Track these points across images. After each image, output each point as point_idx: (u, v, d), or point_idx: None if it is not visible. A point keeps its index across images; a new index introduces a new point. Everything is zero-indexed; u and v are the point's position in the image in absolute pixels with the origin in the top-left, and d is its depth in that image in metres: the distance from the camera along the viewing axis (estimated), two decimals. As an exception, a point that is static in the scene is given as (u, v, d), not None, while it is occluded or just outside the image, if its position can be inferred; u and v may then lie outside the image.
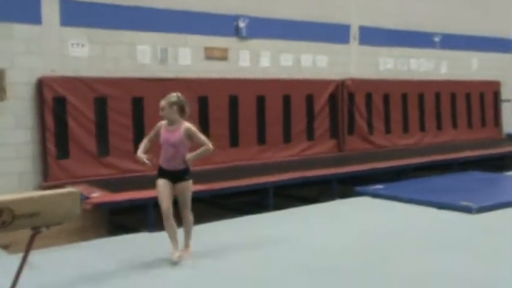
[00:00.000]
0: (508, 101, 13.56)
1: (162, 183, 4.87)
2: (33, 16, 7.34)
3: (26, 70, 7.30)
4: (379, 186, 7.98)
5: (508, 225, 6.06)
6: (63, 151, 7.48)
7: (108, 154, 7.89)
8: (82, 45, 7.80)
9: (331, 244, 5.39)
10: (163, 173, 4.91)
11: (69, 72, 7.65)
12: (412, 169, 9.14)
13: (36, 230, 2.99)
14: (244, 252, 5.17)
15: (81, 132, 7.65)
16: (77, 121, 7.62)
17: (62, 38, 7.62)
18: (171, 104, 4.84)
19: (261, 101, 9.50)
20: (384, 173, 9.01)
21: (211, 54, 9.01)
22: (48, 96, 7.37)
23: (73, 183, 6.83)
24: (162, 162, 4.91)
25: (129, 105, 8.14)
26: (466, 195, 7.10)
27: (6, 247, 5.50)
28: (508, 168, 10.18)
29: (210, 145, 4.91)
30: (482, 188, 8.21)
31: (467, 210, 6.51)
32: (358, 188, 7.94)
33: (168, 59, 8.56)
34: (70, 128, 7.53)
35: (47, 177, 7.34)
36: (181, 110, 4.90)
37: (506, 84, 13.43)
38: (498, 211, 6.62)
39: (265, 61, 9.64)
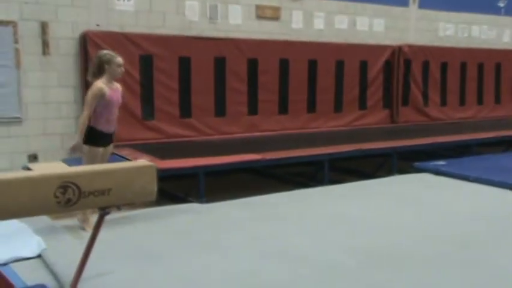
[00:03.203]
0: None
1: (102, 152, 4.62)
2: (78, -35, 6.81)
3: (70, 24, 6.82)
4: (441, 163, 7.36)
5: None
6: (106, 112, 7.02)
7: (153, 117, 7.42)
8: (128, -1, 7.26)
9: (395, 225, 4.83)
10: (103, 139, 4.62)
11: (114, 28, 7.13)
12: (476, 145, 8.45)
13: (105, 211, 2.52)
14: (297, 229, 4.68)
15: (126, 93, 7.14)
16: (121, 80, 7.12)
17: (107, -10, 7.10)
18: None
19: (312, 66, 8.87)
20: (444, 148, 8.36)
21: (262, 14, 8.37)
22: (92, 52, 6.88)
23: (116, 147, 6.37)
24: (103, 125, 4.58)
25: (176, 66, 7.63)
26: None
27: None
28: None
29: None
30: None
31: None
32: (418, 164, 7.34)
33: (217, 17, 7.96)
34: (114, 87, 7.05)
35: (90, 139, 6.92)
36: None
37: None
38: None
39: (319, 23, 8.94)
